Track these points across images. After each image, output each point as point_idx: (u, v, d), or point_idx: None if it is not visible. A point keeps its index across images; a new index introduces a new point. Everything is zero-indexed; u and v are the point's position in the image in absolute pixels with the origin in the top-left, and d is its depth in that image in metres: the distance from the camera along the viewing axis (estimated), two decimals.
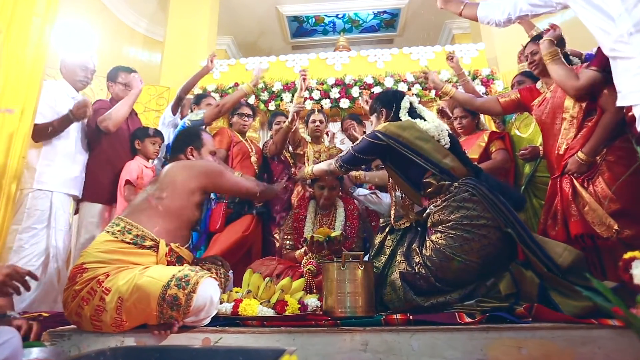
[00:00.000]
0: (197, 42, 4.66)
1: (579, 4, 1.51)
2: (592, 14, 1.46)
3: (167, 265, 1.50)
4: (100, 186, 2.43)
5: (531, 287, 1.52)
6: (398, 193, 2.08)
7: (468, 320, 1.38)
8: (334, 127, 3.95)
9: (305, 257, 2.20)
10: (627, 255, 1.04)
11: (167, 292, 1.33)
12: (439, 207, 1.70)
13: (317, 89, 3.89)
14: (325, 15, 6.12)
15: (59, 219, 2.20)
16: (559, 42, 2.04)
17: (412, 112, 1.97)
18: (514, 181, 2.57)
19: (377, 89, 3.79)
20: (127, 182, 2.40)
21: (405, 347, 1.28)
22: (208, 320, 1.43)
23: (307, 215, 2.44)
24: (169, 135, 2.76)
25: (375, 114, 2.07)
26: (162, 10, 5.29)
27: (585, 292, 0.98)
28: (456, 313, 1.47)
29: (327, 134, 3.08)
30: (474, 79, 3.73)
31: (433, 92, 3.75)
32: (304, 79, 2.83)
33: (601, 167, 1.82)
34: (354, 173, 2.44)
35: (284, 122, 2.85)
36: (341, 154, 1.99)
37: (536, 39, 2.13)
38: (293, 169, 2.97)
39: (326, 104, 3.86)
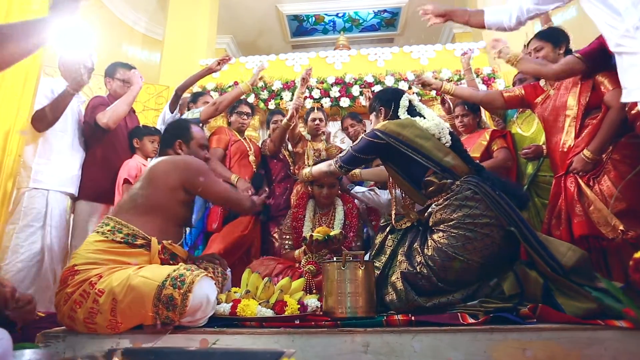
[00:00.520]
0: (197, 41, 4.65)
1: None
2: (598, 8, 1.44)
3: (161, 263, 1.48)
4: (97, 185, 2.40)
5: (535, 288, 1.49)
6: (398, 192, 2.05)
7: (471, 321, 1.36)
8: (334, 126, 3.93)
9: (304, 257, 2.18)
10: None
11: (163, 292, 1.30)
12: (440, 206, 1.67)
13: (317, 88, 3.87)
14: (326, 14, 6.10)
15: (55, 218, 2.18)
16: (563, 38, 2.02)
17: (412, 111, 1.94)
18: (515, 180, 2.54)
19: (377, 88, 3.76)
20: (126, 180, 2.37)
21: (407, 348, 1.26)
22: (205, 321, 1.40)
23: (306, 214, 2.42)
24: None
25: (374, 113, 2.04)
26: (161, 9, 5.28)
27: (594, 293, 0.95)
28: (459, 314, 1.44)
29: (324, 133, 3.05)
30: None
31: (433, 91, 3.72)
32: (309, 75, 2.77)
33: (607, 165, 1.79)
34: None
35: (282, 120, 2.82)
36: (341, 155, 1.96)
37: (539, 35, 2.11)
38: (292, 168, 2.95)
39: (326, 102, 3.84)
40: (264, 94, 3.90)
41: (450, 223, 1.61)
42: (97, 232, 1.48)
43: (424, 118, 1.89)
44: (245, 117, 2.88)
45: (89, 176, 2.40)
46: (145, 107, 3.99)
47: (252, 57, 4.21)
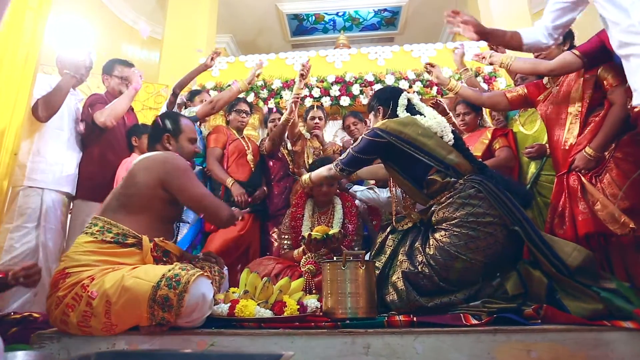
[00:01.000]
0: (196, 40, 4.63)
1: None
2: (605, 10, 1.43)
3: (154, 260, 1.45)
4: (95, 184, 2.37)
5: (539, 288, 1.46)
6: (399, 191, 2.02)
7: (474, 322, 1.33)
8: (335, 125, 3.90)
9: (304, 257, 2.15)
10: None
11: (158, 292, 1.27)
12: (443, 205, 1.65)
13: (317, 87, 3.84)
14: (326, 13, 6.08)
15: (50, 218, 2.15)
16: (567, 35, 2.00)
17: (411, 109, 1.92)
18: (517, 180, 2.51)
19: (377, 87, 3.74)
20: None
21: (408, 350, 1.24)
22: (203, 321, 1.38)
23: (304, 213, 2.39)
24: None
25: (373, 112, 2.02)
26: (160, 8, 5.26)
27: (603, 294, 0.92)
28: (462, 314, 1.42)
29: (317, 137, 3.00)
30: (475, 76, 3.69)
31: (434, 89, 3.71)
32: (307, 69, 2.72)
33: (609, 163, 1.77)
34: None
35: (279, 119, 2.79)
36: (341, 157, 1.92)
37: None
38: (291, 166, 2.93)
39: (326, 101, 3.81)
40: (264, 93, 3.87)
41: (453, 222, 1.58)
42: (86, 232, 1.45)
43: (424, 116, 1.86)
44: (243, 115, 2.85)
45: (87, 175, 2.37)
46: (144, 106, 3.97)
47: (251, 56, 4.19)
